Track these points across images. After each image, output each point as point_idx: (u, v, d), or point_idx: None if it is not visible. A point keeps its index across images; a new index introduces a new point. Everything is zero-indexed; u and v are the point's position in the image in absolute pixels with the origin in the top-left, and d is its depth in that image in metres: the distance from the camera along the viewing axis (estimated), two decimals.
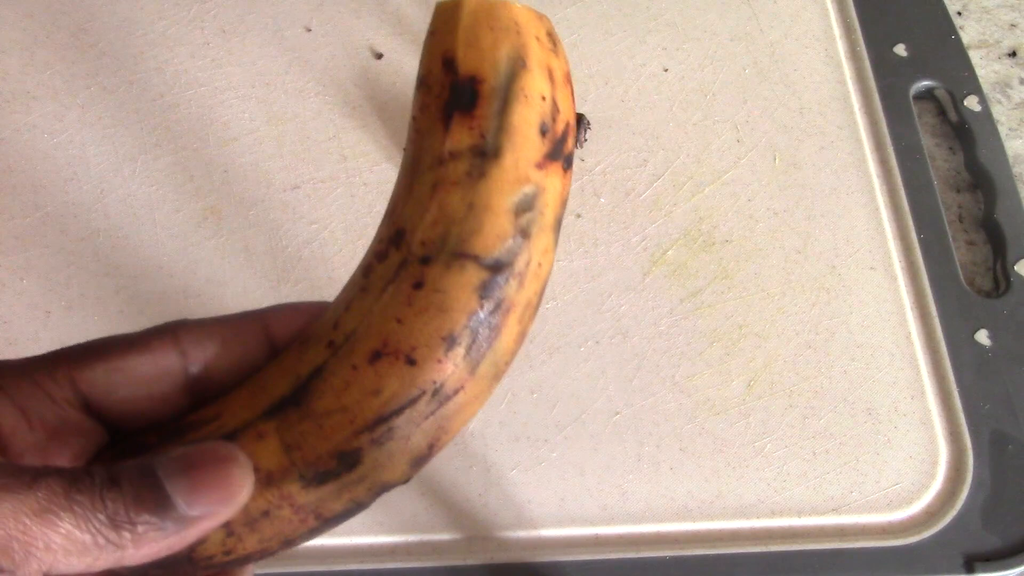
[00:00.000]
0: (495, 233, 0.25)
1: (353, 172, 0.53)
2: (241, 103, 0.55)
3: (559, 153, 0.26)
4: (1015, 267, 0.53)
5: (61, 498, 0.22)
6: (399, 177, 0.27)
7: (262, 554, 0.26)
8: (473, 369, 0.25)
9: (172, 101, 0.55)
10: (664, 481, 0.46)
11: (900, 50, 0.60)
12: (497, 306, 0.25)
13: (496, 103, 0.25)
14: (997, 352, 0.50)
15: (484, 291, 0.25)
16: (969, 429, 0.48)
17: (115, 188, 0.52)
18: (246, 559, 0.26)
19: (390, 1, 0.59)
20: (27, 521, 0.22)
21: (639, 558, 0.44)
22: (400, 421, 0.25)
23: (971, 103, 0.58)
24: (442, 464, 0.46)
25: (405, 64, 0.57)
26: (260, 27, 0.58)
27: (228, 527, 0.25)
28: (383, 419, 0.25)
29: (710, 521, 0.45)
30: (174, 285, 0.49)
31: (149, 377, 0.26)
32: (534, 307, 0.27)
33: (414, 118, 0.26)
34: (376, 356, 0.25)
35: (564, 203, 0.27)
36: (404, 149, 0.27)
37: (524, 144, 0.25)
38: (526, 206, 0.25)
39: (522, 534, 0.45)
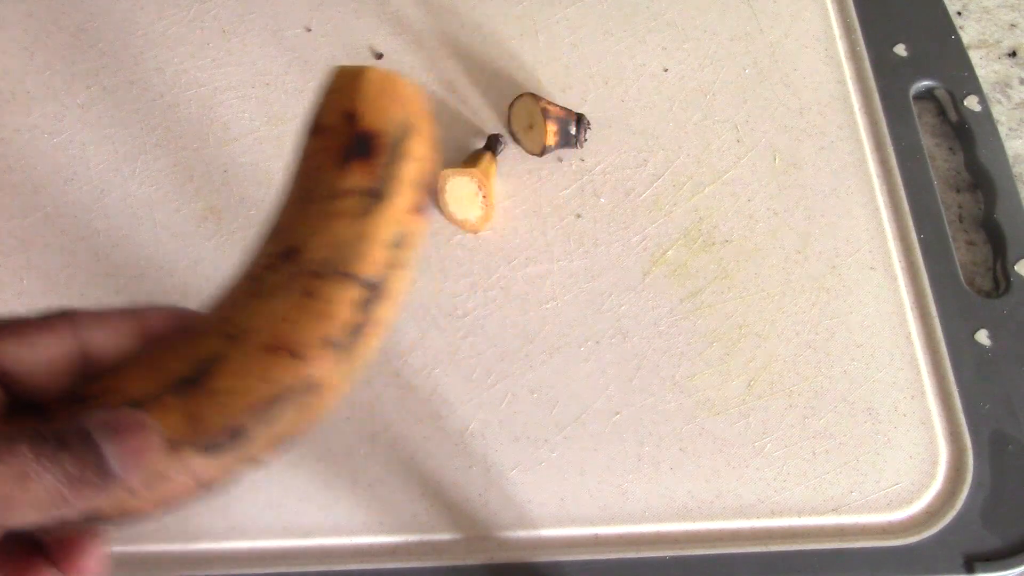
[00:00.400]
0: (376, 260, 0.30)
1: None
2: (241, 103, 0.55)
3: (424, 204, 0.32)
4: (1015, 267, 0.53)
5: (33, 462, 0.25)
6: (285, 204, 0.32)
7: (147, 515, 0.29)
8: (340, 367, 0.30)
9: (172, 101, 0.55)
10: (664, 481, 0.46)
11: (900, 50, 0.60)
12: (367, 319, 0.30)
13: (388, 156, 0.31)
14: (997, 352, 0.50)
15: (360, 306, 0.30)
16: (969, 429, 0.48)
17: (115, 188, 0.52)
18: (133, 517, 0.29)
19: (390, 1, 0.59)
20: (9, 484, 0.25)
21: (639, 558, 0.44)
22: (281, 405, 0.29)
23: (971, 103, 0.58)
24: (442, 464, 0.46)
25: (405, 64, 0.57)
26: (260, 27, 0.58)
27: (130, 487, 0.28)
28: (269, 402, 0.29)
29: (710, 521, 0.45)
30: (174, 285, 0.49)
31: (50, 352, 0.29)
32: (390, 326, 0.32)
33: (307, 157, 0.31)
34: (268, 349, 0.29)
35: (421, 244, 0.32)
36: (288, 183, 0.32)
37: (406, 193, 0.31)
38: (400, 242, 0.31)
39: (522, 534, 0.45)
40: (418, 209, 0.31)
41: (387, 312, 0.31)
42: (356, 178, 0.31)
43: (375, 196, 0.31)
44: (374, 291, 0.30)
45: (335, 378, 0.30)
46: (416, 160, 0.31)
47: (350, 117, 0.31)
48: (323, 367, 0.30)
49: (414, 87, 0.32)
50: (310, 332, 0.29)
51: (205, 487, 0.30)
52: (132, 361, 0.31)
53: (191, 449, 0.29)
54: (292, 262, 0.30)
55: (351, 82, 0.31)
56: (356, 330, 0.30)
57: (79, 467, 0.26)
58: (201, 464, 0.29)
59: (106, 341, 0.30)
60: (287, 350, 0.29)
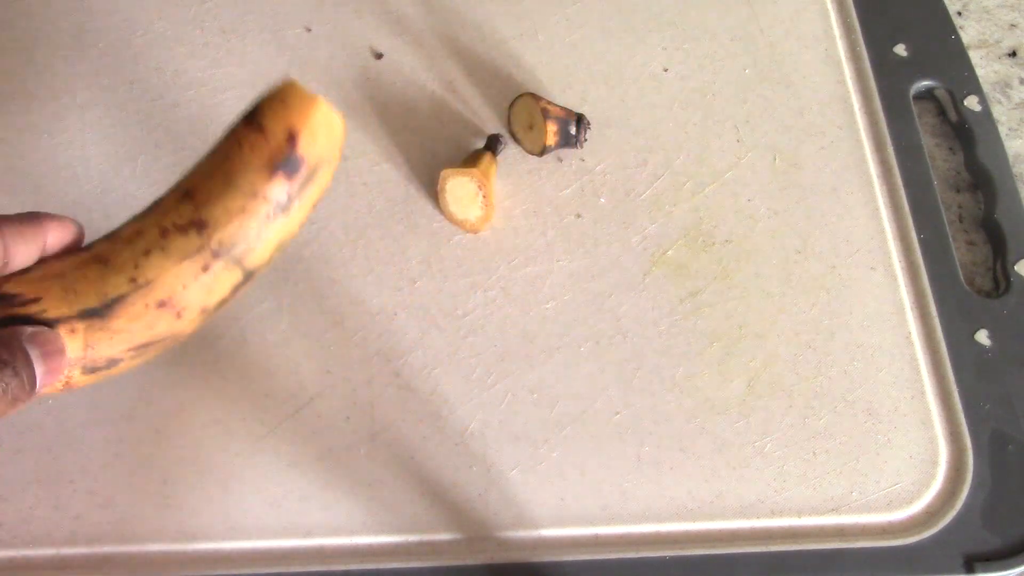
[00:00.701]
0: (265, 259, 0.39)
1: (353, 172, 0.53)
2: (241, 103, 0.55)
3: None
4: (1015, 267, 0.53)
5: None
6: (207, 166, 0.38)
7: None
8: (193, 328, 0.39)
9: (172, 101, 0.55)
10: (664, 481, 0.46)
11: (900, 50, 0.60)
12: (230, 297, 0.39)
13: (305, 179, 0.38)
14: (997, 352, 0.50)
15: (236, 289, 0.38)
16: (969, 429, 0.48)
17: (115, 188, 0.52)
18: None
19: (390, 1, 0.59)
20: None
21: (639, 558, 0.44)
22: (154, 347, 0.38)
23: (971, 103, 0.58)
24: (442, 464, 0.46)
25: (405, 64, 0.57)
26: (260, 27, 0.58)
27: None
28: (147, 344, 0.38)
29: (710, 521, 0.45)
30: None
31: None
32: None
33: (239, 142, 0.38)
34: (161, 304, 0.37)
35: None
36: (219, 145, 0.39)
37: (305, 210, 0.39)
38: (285, 247, 0.39)
39: (522, 534, 0.45)
40: (303, 220, 0.40)
41: (239, 295, 0.40)
42: (277, 189, 0.38)
43: (285, 208, 0.39)
44: (249, 279, 0.40)
45: (189, 331, 0.39)
46: (320, 187, 0.39)
47: (291, 136, 0.38)
48: (188, 328, 0.38)
49: (342, 126, 0.40)
50: (198, 300, 0.38)
51: (68, 390, 0.38)
52: (44, 271, 0.38)
53: (79, 368, 0.37)
54: (199, 234, 0.38)
55: (303, 107, 0.38)
56: (221, 305, 0.39)
57: (14, 384, 0.30)
58: (79, 379, 0.37)
59: (21, 249, 0.35)
60: (174, 310, 0.38)
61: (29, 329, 0.31)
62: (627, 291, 0.51)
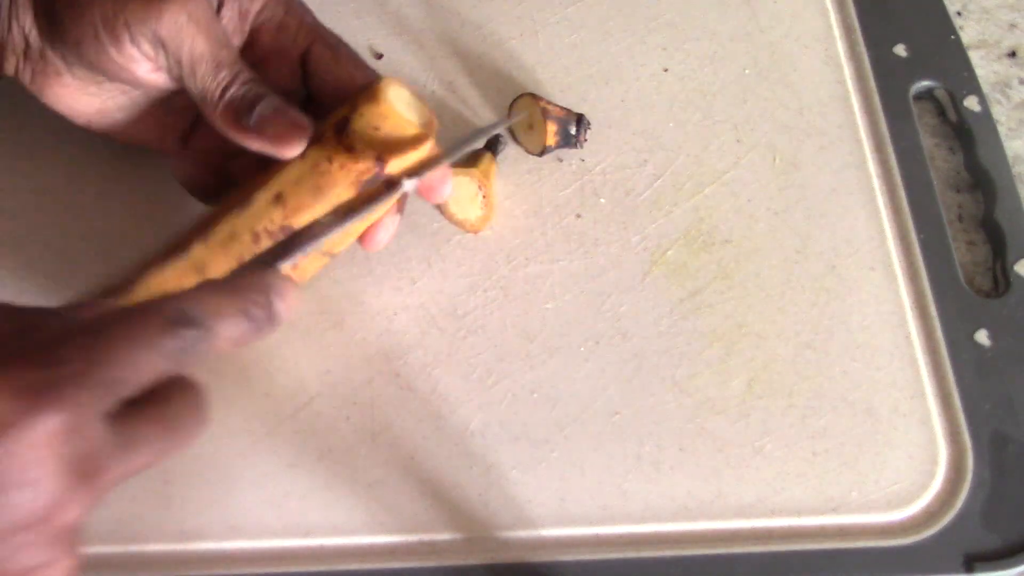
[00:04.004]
0: (349, 244, 0.46)
1: None
2: None
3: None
4: (1015, 267, 0.53)
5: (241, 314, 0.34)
6: (298, 173, 0.42)
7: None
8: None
9: None
10: (664, 481, 0.46)
11: (900, 50, 0.60)
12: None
13: (392, 187, 0.43)
14: (997, 352, 0.50)
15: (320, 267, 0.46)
16: (969, 429, 0.48)
17: (116, 188, 0.52)
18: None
19: (390, 1, 0.59)
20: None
21: (639, 558, 0.44)
22: None
23: (971, 103, 0.58)
24: (442, 464, 0.46)
25: (405, 64, 0.57)
26: None
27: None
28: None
29: (710, 521, 0.45)
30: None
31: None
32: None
33: (331, 159, 0.42)
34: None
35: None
36: (310, 151, 0.42)
37: (390, 204, 0.44)
38: None
39: (522, 534, 0.45)
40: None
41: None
42: (364, 199, 0.42)
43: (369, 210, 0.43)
44: (333, 258, 0.46)
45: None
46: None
47: (380, 159, 0.41)
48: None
49: (432, 134, 0.43)
50: None
51: None
52: (148, 282, 0.41)
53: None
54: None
55: (394, 128, 0.42)
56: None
57: (265, 319, 0.35)
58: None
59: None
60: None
61: (276, 280, 0.36)
62: (627, 291, 0.51)
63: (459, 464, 0.46)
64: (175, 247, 0.42)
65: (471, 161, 0.51)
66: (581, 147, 0.54)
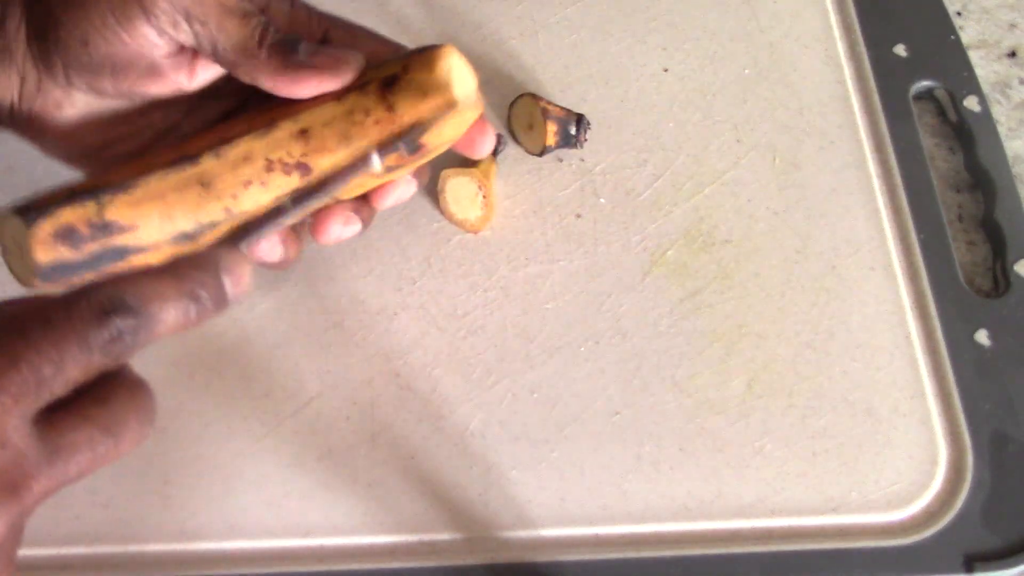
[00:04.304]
0: (356, 195, 0.44)
1: None
2: None
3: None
4: (1015, 267, 0.53)
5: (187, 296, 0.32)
6: (329, 113, 0.40)
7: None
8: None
9: None
10: (664, 481, 0.46)
11: (900, 50, 0.60)
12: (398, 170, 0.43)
13: (420, 156, 0.42)
14: (997, 352, 0.50)
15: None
16: (969, 429, 0.48)
17: None
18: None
19: (390, 1, 0.59)
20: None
21: (639, 558, 0.44)
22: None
23: (971, 103, 0.58)
24: (442, 464, 0.46)
25: None
26: None
27: None
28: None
29: (710, 521, 0.45)
30: None
31: None
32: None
33: (368, 112, 0.40)
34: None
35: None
36: (350, 92, 0.40)
37: (411, 169, 0.43)
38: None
39: (522, 534, 0.45)
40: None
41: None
42: (389, 159, 0.41)
43: (390, 171, 0.41)
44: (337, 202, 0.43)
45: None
46: (436, 154, 0.42)
47: (418, 126, 0.40)
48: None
49: (479, 111, 0.42)
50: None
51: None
52: (146, 190, 0.39)
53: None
54: (302, 177, 0.40)
55: (441, 101, 0.40)
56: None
57: (211, 300, 0.32)
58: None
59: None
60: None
61: (224, 257, 0.33)
62: (627, 291, 0.51)
63: (459, 464, 0.46)
64: (182, 152, 0.40)
65: (471, 161, 0.52)
66: (581, 147, 0.54)
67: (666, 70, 0.58)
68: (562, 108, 0.53)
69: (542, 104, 0.53)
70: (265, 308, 0.49)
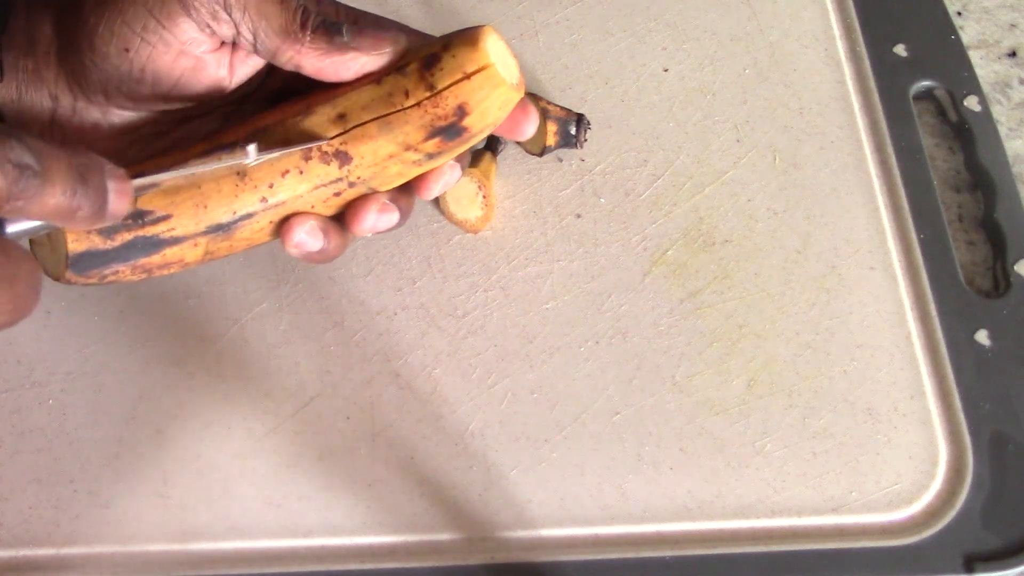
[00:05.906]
0: (397, 185, 0.42)
1: None
2: None
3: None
4: (1015, 267, 0.53)
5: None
6: (368, 96, 0.39)
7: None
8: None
9: None
10: (664, 481, 0.46)
11: (900, 50, 0.60)
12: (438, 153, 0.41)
13: (463, 141, 0.40)
14: (997, 352, 0.50)
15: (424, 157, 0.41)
16: (969, 429, 0.48)
17: None
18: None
19: (390, 1, 0.59)
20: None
21: (639, 558, 0.44)
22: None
23: (971, 103, 0.58)
24: (442, 464, 0.46)
25: None
26: None
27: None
28: (257, 245, 0.41)
29: (710, 521, 0.45)
30: (174, 286, 0.49)
31: None
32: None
33: (408, 94, 0.39)
34: (284, 220, 0.40)
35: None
36: (390, 77, 0.39)
37: (454, 154, 0.41)
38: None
39: (522, 534, 0.45)
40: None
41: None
42: (430, 146, 0.39)
43: (432, 158, 0.40)
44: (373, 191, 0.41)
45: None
46: (479, 139, 0.41)
47: (461, 110, 0.38)
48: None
49: (521, 94, 0.40)
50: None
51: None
52: (184, 178, 0.38)
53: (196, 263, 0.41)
54: (340, 167, 0.39)
55: (485, 84, 0.38)
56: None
57: (94, 192, 0.32)
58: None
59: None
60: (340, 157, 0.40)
61: (112, 168, 0.33)
62: (627, 291, 0.51)
63: (459, 464, 0.46)
64: (217, 142, 0.39)
65: (471, 161, 0.52)
66: (581, 147, 0.54)
67: (666, 70, 0.58)
68: (562, 108, 0.53)
69: (542, 104, 0.53)
70: (265, 308, 0.49)
